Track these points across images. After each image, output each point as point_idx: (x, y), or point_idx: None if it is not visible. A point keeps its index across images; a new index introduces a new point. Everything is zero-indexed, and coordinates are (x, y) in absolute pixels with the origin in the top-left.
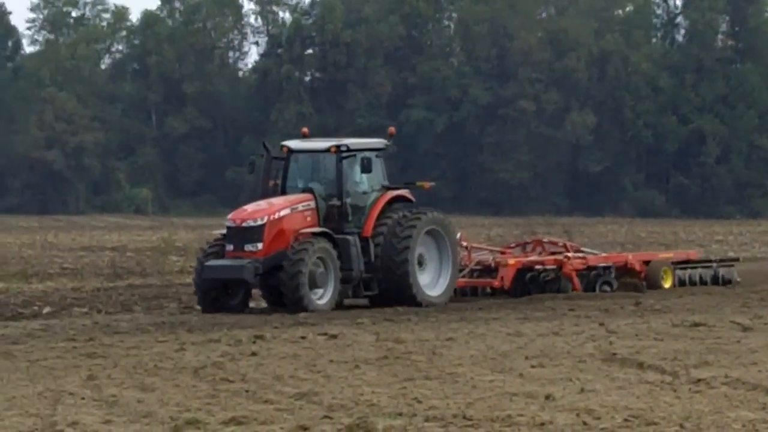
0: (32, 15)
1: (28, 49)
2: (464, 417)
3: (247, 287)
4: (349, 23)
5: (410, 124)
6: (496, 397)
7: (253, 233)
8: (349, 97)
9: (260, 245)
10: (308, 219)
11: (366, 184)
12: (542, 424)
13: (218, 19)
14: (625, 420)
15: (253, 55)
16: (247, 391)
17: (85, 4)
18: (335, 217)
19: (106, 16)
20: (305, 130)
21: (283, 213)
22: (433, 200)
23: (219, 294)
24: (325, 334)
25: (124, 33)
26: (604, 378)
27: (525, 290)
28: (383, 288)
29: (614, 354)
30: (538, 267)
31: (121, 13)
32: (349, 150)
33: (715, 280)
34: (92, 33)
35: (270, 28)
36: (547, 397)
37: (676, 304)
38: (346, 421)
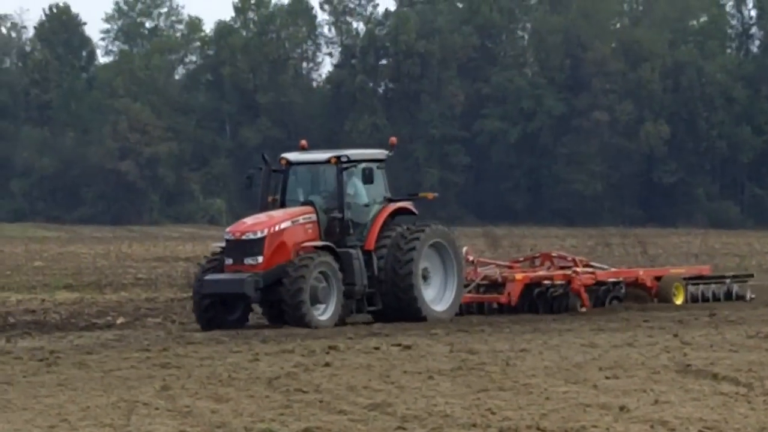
0: (107, 26)
1: (102, 59)
2: (538, 428)
3: (246, 302)
4: (422, 34)
5: (484, 135)
6: (570, 409)
7: (253, 246)
8: (422, 108)
9: (260, 259)
10: (309, 232)
11: (367, 196)
12: None
13: (292, 29)
14: None
15: (326, 66)
16: (320, 402)
17: (160, 14)
18: (336, 230)
19: (180, 26)
20: (304, 142)
21: (283, 225)
22: (507, 211)
23: (217, 309)
24: (399, 344)
25: (198, 43)
26: (678, 389)
27: (533, 306)
28: (387, 303)
29: (688, 365)
30: (546, 282)
31: (195, 24)
32: (349, 161)
33: (728, 297)
34: (166, 43)
35: (344, 38)
36: (622, 408)
37: (751, 315)
38: None
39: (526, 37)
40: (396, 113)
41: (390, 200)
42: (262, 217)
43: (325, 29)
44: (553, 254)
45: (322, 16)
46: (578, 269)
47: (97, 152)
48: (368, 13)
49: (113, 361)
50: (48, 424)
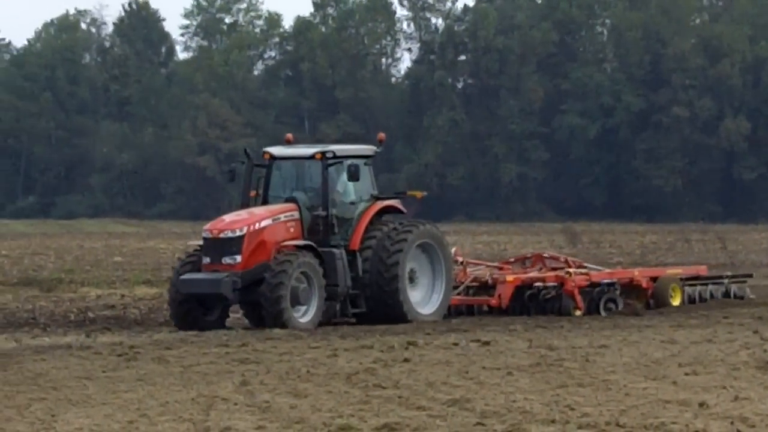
0: (186, 21)
1: (181, 55)
2: (617, 424)
3: (224, 303)
4: (501, 29)
5: (563, 131)
6: (650, 405)
7: (232, 245)
8: (501, 104)
9: (239, 258)
10: (291, 230)
11: (353, 194)
12: (696, 431)
13: (371, 25)
14: None
15: (405, 62)
16: (399, 398)
17: (239, 10)
18: (320, 228)
19: (259, 22)
20: (289, 136)
21: (264, 224)
22: (586, 207)
23: (194, 309)
24: (478, 340)
25: (277, 39)
26: (758, 386)
27: (524, 309)
28: (371, 305)
29: None
30: (538, 284)
31: (274, 20)
32: (335, 157)
33: (727, 297)
34: (245, 39)
35: (423, 34)
36: (701, 404)
37: None
38: (499, 428)
39: (606, 32)
40: (474, 109)
41: (377, 198)
42: (242, 214)
43: (404, 25)
44: (545, 255)
45: (401, 12)
46: (571, 270)
47: (176, 148)
48: (447, 8)
49: (192, 356)
50: (127, 419)
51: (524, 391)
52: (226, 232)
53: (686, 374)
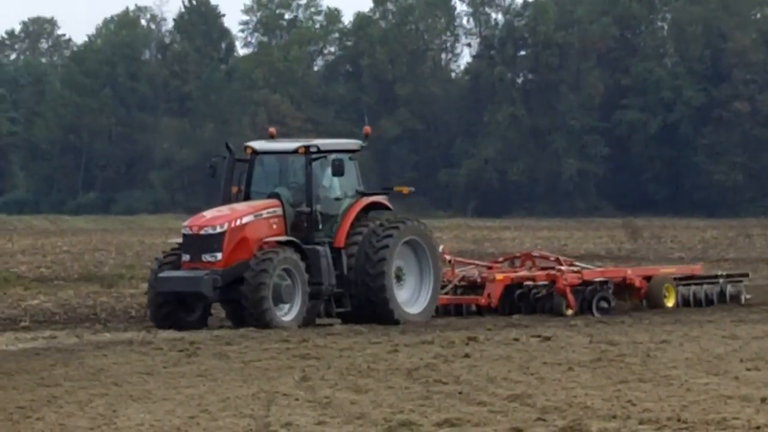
0: (245, 17)
1: (241, 51)
2: (679, 420)
3: (205, 302)
4: (561, 24)
5: (623, 126)
6: (711, 400)
7: (212, 242)
8: (561, 99)
9: (219, 255)
10: (274, 227)
11: (338, 189)
12: (758, 427)
13: (431, 20)
14: None
15: (465, 57)
16: (460, 393)
17: (298, 6)
18: (304, 225)
19: (319, 18)
20: (272, 130)
21: (245, 220)
22: (647, 202)
23: (173, 309)
24: (539, 336)
25: (336, 35)
26: None
27: (514, 308)
28: (357, 304)
29: None
30: (528, 283)
31: (333, 15)
32: (319, 151)
33: (722, 298)
34: (305, 35)
35: (482, 29)
36: (763, 400)
37: None
38: (559, 423)
39: (666, 27)
40: (534, 104)
41: (363, 194)
42: (223, 210)
43: (464, 20)
44: (535, 254)
45: (460, 7)
46: (563, 268)
47: (236, 143)
48: (507, 4)
49: (253, 351)
50: (188, 414)
51: (585, 387)
52: (206, 228)
53: (748, 370)
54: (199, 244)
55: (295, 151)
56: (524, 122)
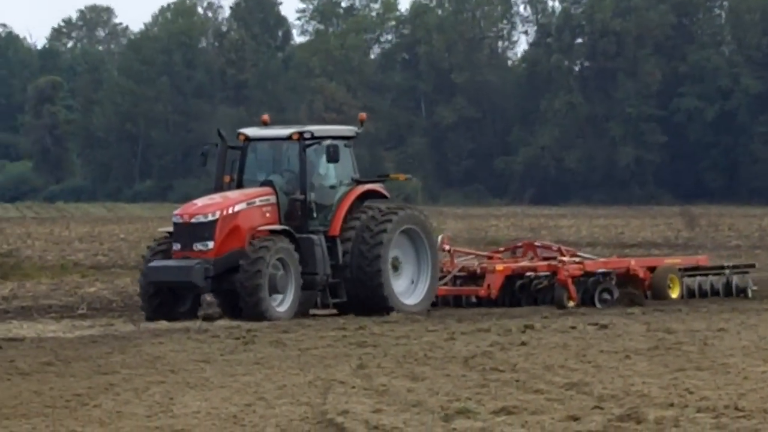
0: (302, 5)
1: (298, 39)
2: (736, 408)
3: (196, 292)
4: (618, 12)
5: (681, 114)
6: None
7: (204, 230)
8: (618, 87)
9: (211, 244)
10: (267, 215)
11: (333, 177)
12: None
13: (487, 8)
14: None
15: (522, 45)
16: (517, 381)
17: None
18: (298, 213)
19: (376, 6)
20: (266, 117)
21: (238, 208)
22: (704, 190)
23: (165, 299)
24: (596, 324)
25: (393, 23)
26: None
27: (514, 299)
28: (352, 295)
29: None
30: (529, 274)
31: (390, 3)
32: (313, 137)
33: (728, 289)
34: (362, 23)
35: (539, 17)
36: None
37: None
38: (616, 411)
39: (723, 15)
40: (591, 92)
41: (358, 182)
42: (215, 198)
43: (521, 8)
44: (537, 243)
45: None
46: (564, 259)
47: None
48: None
49: (310, 339)
50: (245, 401)
51: (642, 375)
52: (197, 216)
53: None
54: (190, 232)
55: (289, 138)
56: (581, 110)
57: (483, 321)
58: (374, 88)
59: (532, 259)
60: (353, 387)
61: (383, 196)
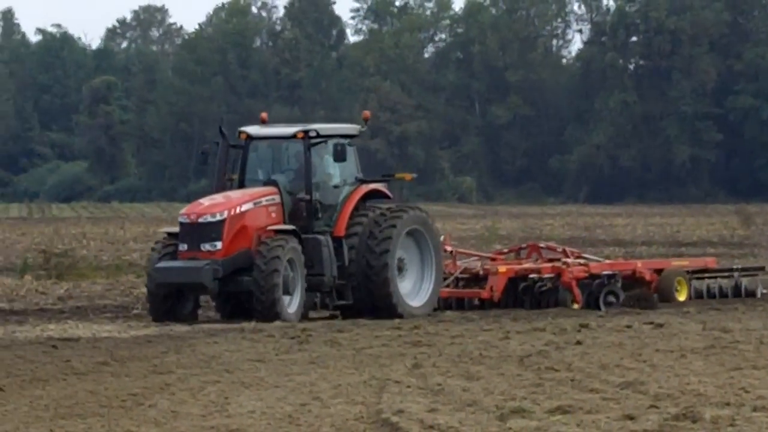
0: (356, 5)
1: (352, 38)
2: None
3: (204, 293)
4: (673, 10)
5: (736, 112)
6: None
7: (211, 230)
8: (673, 85)
9: (219, 244)
10: (273, 215)
11: (338, 176)
12: None
13: (541, 6)
14: None
15: (576, 43)
16: (572, 380)
17: None
18: (303, 213)
19: (430, 5)
20: (264, 115)
21: (245, 207)
22: (760, 189)
23: (172, 300)
24: (651, 323)
25: (447, 22)
26: None
27: (518, 302)
28: (358, 297)
29: None
30: (532, 276)
31: (444, 2)
32: (318, 136)
33: (737, 292)
34: (416, 22)
35: (594, 15)
36: None
37: None
38: (672, 410)
39: None
40: (646, 90)
41: (362, 181)
42: (220, 198)
43: (575, 6)
44: (541, 245)
45: None
46: (569, 261)
47: None
48: None
49: (364, 338)
50: (300, 401)
51: (698, 374)
52: (205, 216)
53: None
54: (197, 232)
55: (293, 136)
56: (636, 108)
57: (538, 320)
58: (428, 87)
59: (536, 260)
60: (408, 386)
61: (386, 197)
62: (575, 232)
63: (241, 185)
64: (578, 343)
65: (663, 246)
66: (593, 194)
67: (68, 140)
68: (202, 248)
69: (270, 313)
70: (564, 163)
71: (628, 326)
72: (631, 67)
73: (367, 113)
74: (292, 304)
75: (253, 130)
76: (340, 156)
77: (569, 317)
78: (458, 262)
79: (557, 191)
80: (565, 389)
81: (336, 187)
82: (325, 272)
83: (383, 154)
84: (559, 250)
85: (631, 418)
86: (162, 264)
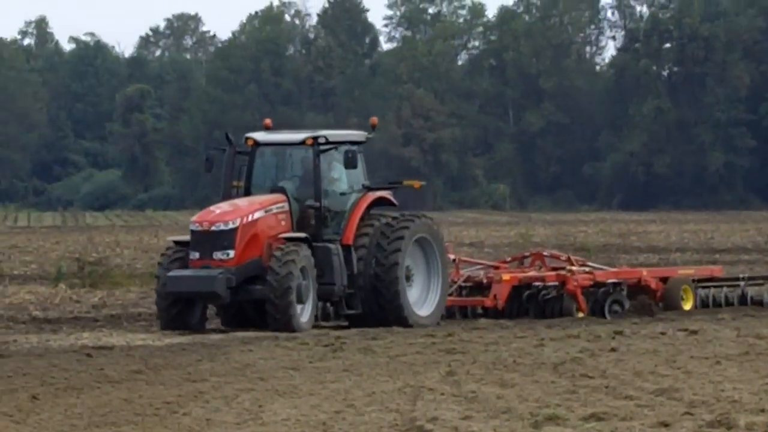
0: (389, 12)
1: (385, 46)
2: None
3: (217, 302)
4: (707, 17)
5: None
6: None
7: (224, 239)
8: (707, 91)
9: (232, 253)
10: (283, 223)
11: (345, 183)
12: None
13: (575, 14)
14: None
15: (610, 50)
16: (606, 387)
17: (442, 0)
18: (311, 221)
19: (463, 12)
20: (268, 121)
21: (257, 215)
22: None
23: (183, 310)
24: (685, 329)
25: (480, 29)
26: None
27: (522, 310)
28: (366, 306)
29: None
30: (537, 284)
31: (477, 10)
32: (327, 142)
33: (743, 301)
34: (449, 29)
35: (627, 22)
36: None
37: None
38: (707, 417)
39: None
40: (680, 97)
41: (368, 188)
42: (231, 205)
43: (608, 13)
44: (545, 253)
45: (605, 0)
46: (574, 269)
47: (381, 138)
48: None
49: (398, 346)
50: (334, 409)
51: (733, 381)
52: (218, 224)
53: None
54: (210, 240)
55: (303, 143)
56: (670, 115)
57: (572, 327)
58: (462, 94)
59: (540, 268)
60: (442, 394)
61: (391, 204)
62: (609, 239)
63: (247, 192)
64: (612, 350)
65: (697, 252)
66: (627, 201)
67: (102, 149)
68: (215, 257)
69: (284, 319)
70: (598, 170)
71: (663, 333)
72: (665, 73)
73: (374, 119)
74: (304, 313)
75: (259, 136)
76: (351, 163)
77: (603, 324)
78: (461, 271)
79: (591, 198)
80: (600, 396)
81: (343, 194)
82: (335, 281)
83: (417, 161)
84: (563, 258)
85: (665, 425)
86: (174, 273)
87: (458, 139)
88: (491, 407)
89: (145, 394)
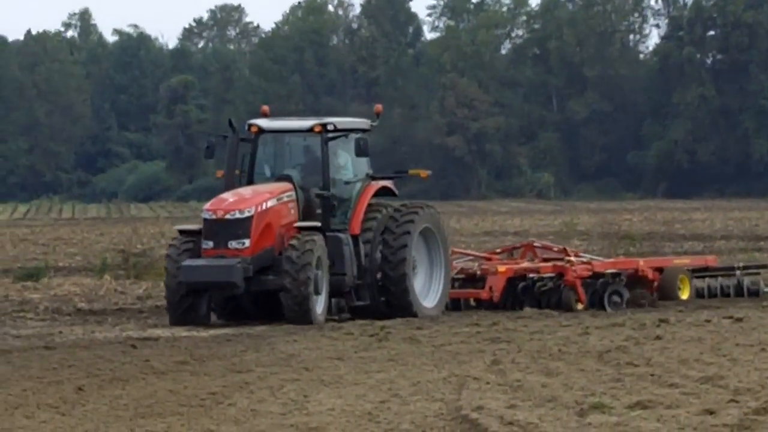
0: (433, 1)
1: (428, 35)
2: None
3: (233, 293)
4: (751, 4)
5: None
6: None
7: (239, 227)
8: (751, 79)
9: (247, 242)
10: (292, 212)
11: (351, 172)
12: None
13: (618, 2)
14: None
15: (653, 38)
16: (652, 375)
17: None
18: (317, 210)
19: (506, 1)
20: (265, 108)
21: (270, 204)
22: None
23: (195, 301)
24: (731, 317)
25: (524, 18)
26: None
27: (517, 302)
28: (375, 298)
29: None
30: (532, 275)
31: None
32: (336, 129)
33: (739, 291)
34: (492, 18)
35: (671, 10)
36: None
37: None
38: (752, 405)
39: None
40: (724, 84)
41: (373, 177)
42: (243, 193)
43: (652, 1)
44: (536, 244)
45: None
46: (572, 259)
47: (424, 128)
48: None
49: (443, 335)
50: (379, 399)
51: None
52: (233, 212)
53: None
54: (224, 229)
55: (310, 130)
56: (714, 103)
57: (617, 316)
58: (505, 83)
59: (532, 260)
60: (487, 383)
61: (392, 194)
62: (654, 227)
63: (250, 180)
64: (657, 338)
65: (742, 240)
66: (671, 189)
67: (146, 140)
68: (230, 246)
69: (302, 310)
70: (642, 158)
71: (708, 321)
72: (709, 61)
73: (379, 107)
74: (318, 305)
75: (264, 123)
76: (363, 151)
77: (648, 312)
78: (455, 262)
79: (635, 186)
80: (645, 384)
81: (347, 183)
82: (346, 272)
83: (461, 150)
84: (556, 249)
85: (711, 412)
86: (188, 262)
87: (502, 128)
88: (536, 396)
89: (190, 384)
